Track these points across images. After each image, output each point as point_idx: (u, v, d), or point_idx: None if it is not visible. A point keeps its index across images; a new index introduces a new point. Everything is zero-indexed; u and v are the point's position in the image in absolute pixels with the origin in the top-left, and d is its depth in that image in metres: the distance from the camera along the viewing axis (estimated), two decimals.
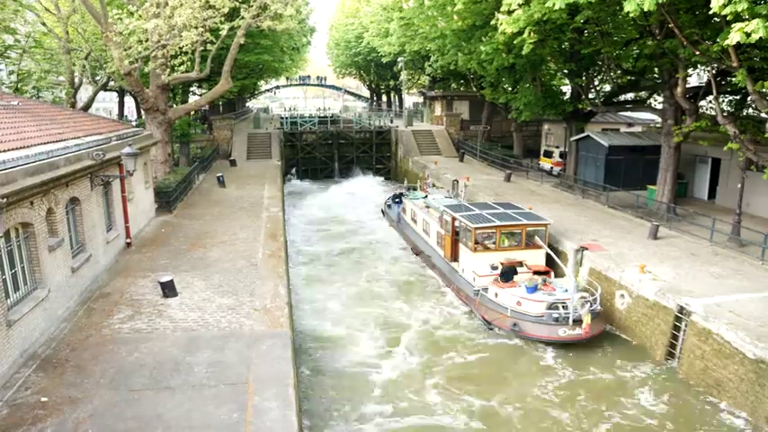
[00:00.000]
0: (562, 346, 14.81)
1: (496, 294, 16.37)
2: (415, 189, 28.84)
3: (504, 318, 15.68)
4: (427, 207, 23.61)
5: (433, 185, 29.12)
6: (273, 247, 18.18)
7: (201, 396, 9.47)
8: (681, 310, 14.40)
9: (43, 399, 9.29)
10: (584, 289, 16.63)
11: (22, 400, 9.27)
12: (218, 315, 12.78)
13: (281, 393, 9.56)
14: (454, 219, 19.46)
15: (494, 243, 18.11)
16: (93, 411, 8.99)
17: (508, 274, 16.69)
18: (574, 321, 14.90)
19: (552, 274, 17.23)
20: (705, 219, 20.54)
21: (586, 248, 18.87)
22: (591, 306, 15.27)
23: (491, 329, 15.91)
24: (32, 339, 10.98)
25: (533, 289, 15.91)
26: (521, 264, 17.46)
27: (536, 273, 16.96)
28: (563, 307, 15.19)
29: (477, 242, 18.03)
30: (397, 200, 28.68)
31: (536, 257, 17.95)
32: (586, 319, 14.67)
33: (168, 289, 13.75)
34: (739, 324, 12.94)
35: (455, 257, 19.53)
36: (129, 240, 17.97)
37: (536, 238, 17.81)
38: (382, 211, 30.80)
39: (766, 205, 22.41)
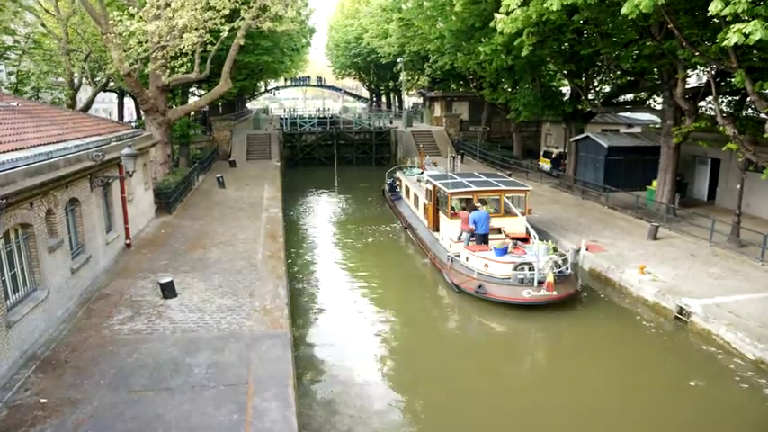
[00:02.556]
0: (533, 307, 14.74)
1: (467, 258, 16.20)
2: (413, 167, 28.93)
3: (471, 280, 15.53)
4: (419, 181, 23.64)
5: (434, 164, 29.40)
6: (273, 248, 18.19)
7: (201, 397, 9.47)
8: (680, 310, 14.42)
9: (43, 400, 9.29)
10: (559, 253, 16.50)
11: (22, 401, 9.27)
12: (217, 316, 12.78)
13: (281, 394, 9.56)
14: (435, 187, 19.41)
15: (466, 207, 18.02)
16: (92, 412, 8.98)
17: (484, 238, 16.70)
18: (539, 283, 14.68)
19: (532, 241, 16.86)
20: (705, 219, 20.57)
21: (587, 249, 18.91)
22: (559, 268, 15.16)
23: (458, 293, 15.82)
24: (32, 340, 10.97)
25: (503, 251, 15.76)
26: (498, 230, 17.32)
27: (514, 239, 16.72)
28: (529, 268, 14.98)
29: (453, 208, 17.99)
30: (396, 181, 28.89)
31: (515, 224, 17.82)
32: (549, 277, 14.53)
33: (168, 290, 13.74)
34: (739, 325, 12.97)
35: (437, 227, 19.40)
36: (128, 241, 17.97)
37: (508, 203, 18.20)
38: (383, 191, 31.01)
39: (766, 206, 22.43)
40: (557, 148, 36.97)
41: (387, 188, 30.50)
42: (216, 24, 22.16)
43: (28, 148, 11.98)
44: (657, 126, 27.97)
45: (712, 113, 20.00)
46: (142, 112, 32.45)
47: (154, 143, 23.41)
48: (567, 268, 15.78)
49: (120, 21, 20.50)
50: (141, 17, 20.61)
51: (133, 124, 36.33)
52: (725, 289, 15.09)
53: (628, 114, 36.47)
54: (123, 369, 10.33)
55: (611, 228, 21.56)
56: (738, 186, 18.80)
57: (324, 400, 11.40)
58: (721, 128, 18.31)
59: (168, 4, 20.56)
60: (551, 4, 15.83)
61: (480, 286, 15.25)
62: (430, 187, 19.99)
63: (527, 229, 17.92)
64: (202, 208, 24.40)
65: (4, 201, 9.52)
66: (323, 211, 30.72)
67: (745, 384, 11.76)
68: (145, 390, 9.66)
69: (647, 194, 25.02)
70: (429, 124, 54.70)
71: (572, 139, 31.02)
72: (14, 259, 10.95)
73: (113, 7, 24.52)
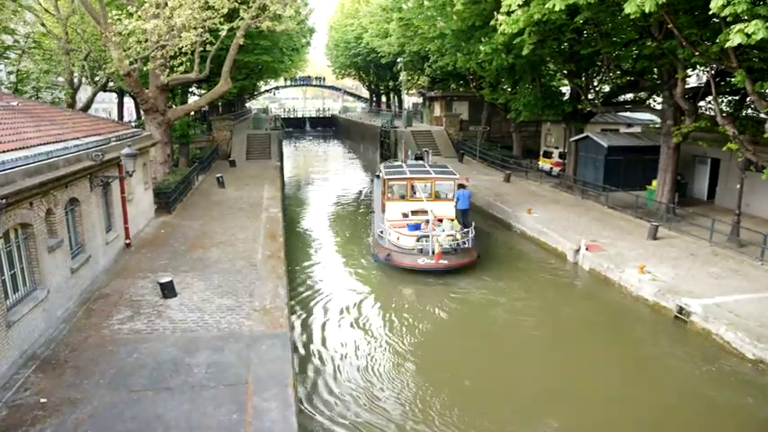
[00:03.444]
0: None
1: (390, 233, 19.06)
2: (396, 160, 31.73)
3: (384, 250, 18.73)
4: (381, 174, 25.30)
5: (418, 158, 31.77)
6: (273, 248, 18.18)
7: (201, 397, 9.47)
8: (680, 310, 14.42)
9: (42, 400, 9.28)
10: (462, 232, 19.07)
11: (22, 401, 9.26)
12: (217, 316, 12.77)
13: (281, 394, 9.56)
14: (381, 174, 22.35)
15: (405, 194, 20.95)
16: (92, 412, 8.98)
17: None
18: (432, 253, 17.54)
19: (446, 221, 19.83)
20: (704, 219, 20.57)
21: (586, 248, 18.92)
22: (457, 242, 18.15)
23: (376, 261, 19.31)
24: (32, 340, 10.97)
25: (415, 227, 19.01)
26: (426, 212, 19.55)
27: (439, 220, 19.56)
28: (427, 240, 17.82)
29: (391, 192, 20.97)
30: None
31: (445, 208, 20.58)
32: (436, 248, 17.41)
33: (167, 290, 13.74)
34: (739, 324, 12.97)
35: (383, 209, 21.61)
36: (128, 241, 17.96)
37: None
38: (371, 181, 32.64)
39: (766, 205, 22.43)
40: (557, 147, 36.96)
41: (374, 179, 31.76)
42: (215, 24, 22.14)
43: (28, 147, 11.98)
44: (657, 126, 27.98)
45: (712, 113, 19.99)
46: (142, 112, 32.45)
47: (153, 143, 23.40)
48: (464, 242, 18.57)
49: (119, 20, 20.48)
50: (140, 16, 20.60)
51: (133, 124, 36.32)
52: (725, 289, 15.09)
53: (628, 114, 36.48)
54: (123, 369, 10.32)
55: (610, 227, 21.55)
56: (738, 186, 18.80)
57: (324, 400, 11.40)
58: (721, 128, 18.31)
59: (167, 3, 20.53)
60: (554, 5, 15.82)
61: (389, 255, 18.35)
62: (381, 174, 22.50)
63: (458, 212, 20.65)
64: (202, 208, 24.40)
65: (4, 200, 9.52)
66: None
67: (745, 384, 11.77)
68: (145, 390, 9.66)
69: (647, 194, 25.02)
70: (429, 124, 54.68)
71: (572, 139, 31.01)
72: (14, 259, 10.95)
73: (113, 6, 24.50)
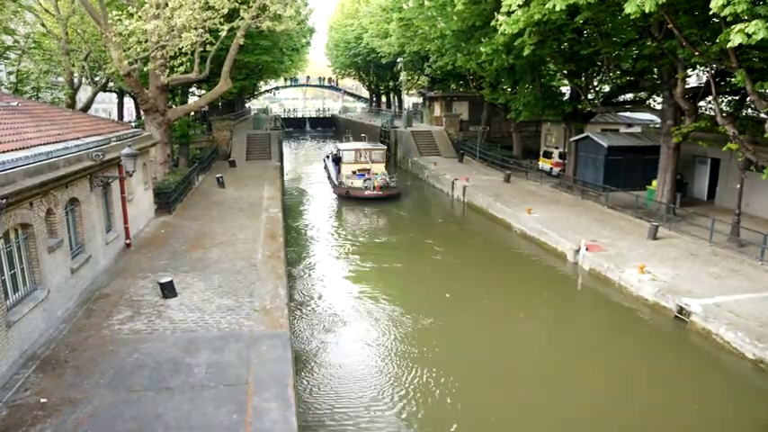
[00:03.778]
0: (371, 199, 31.11)
1: (348, 181, 32.85)
2: (348, 139, 41.27)
3: (344, 189, 32.66)
4: (338, 150, 37.62)
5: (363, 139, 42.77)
6: (273, 248, 18.18)
7: (201, 397, 9.47)
8: (680, 310, 14.42)
9: (43, 400, 9.28)
10: (389, 176, 33.12)
11: (22, 401, 9.26)
12: (217, 316, 12.77)
13: (281, 394, 9.56)
14: (339, 150, 36.66)
15: (354, 159, 34.78)
16: (92, 412, 8.98)
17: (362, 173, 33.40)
18: (373, 188, 31.09)
19: (378, 171, 33.67)
20: (704, 219, 20.57)
21: (586, 248, 18.92)
22: (386, 182, 31.95)
23: (337, 198, 33.35)
24: (32, 340, 10.97)
25: (362, 176, 32.59)
26: (368, 170, 33.29)
27: (374, 174, 32.76)
28: (367, 180, 31.62)
29: (347, 158, 34.92)
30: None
31: (378, 168, 34.03)
32: (375, 183, 31.17)
33: (168, 290, 13.74)
34: (739, 324, 12.97)
35: (339, 171, 34.93)
36: (128, 241, 17.96)
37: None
38: (324, 160, 45.95)
39: (766, 205, 22.43)
40: (557, 147, 36.95)
41: (326, 157, 44.76)
42: (215, 24, 22.14)
43: (28, 147, 11.97)
44: (657, 126, 27.99)
45: (712, 113, 19.99)
46: (142, 112, 32.42)
47: (154, 143, 23.40)
48: (389, 182, 32.36)
49: (120, 20, 20.48)
50: (140, 16, 20.60)
51: (133, 124, 36.30)
52: (725, 289, 15.09)
53: (628, 114, 36.48)
54: (123, 369, 10.32)
55: (610, 227, 21.55)
56: (738, 186, 18.80)
57: (324, 400, 11.40)
58: (721, 128, 18.31)
59: (167, 4, 20.53)
60: (554, 5, 15.82)
61: (347, 192, 32.24)
62: (334, 150, 39.50)
63: (387, 169, 35.43)
64: (202, 208, 24.40)
65: (4, 200, 9.52)
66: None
67: (745, 384, 11.77)
68: (145, 390, 9.66)
69: (647, 194, 25.01)
70: (429, 124, 54.68)
71: (572, 139, 31.01)
72: (14, 259, 10.94)
73: (113, 7, 24.50)
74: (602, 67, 27.34)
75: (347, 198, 32.01)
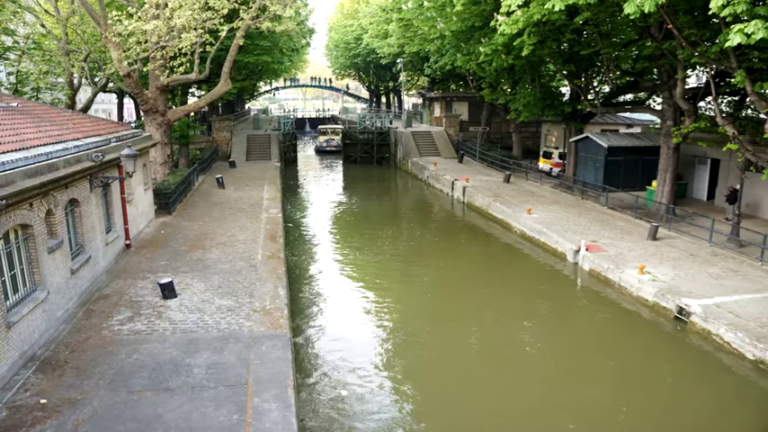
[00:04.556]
0: (329, 152, 56.52)
1: (321, 144, 58.89)
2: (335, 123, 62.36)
3: (318, 148, 59.38)
4: (323, 134, 60.13)
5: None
6: (273, 249, 18.18)
7: (201, 397, 9.47)
8: (680, 310, 14.42)
9: (42, 400, 9.29)
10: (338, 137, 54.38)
11: (22, 401, 9.27)
12: (217, 316, 12.78)
13: (281, 395, 9.56)
14: (320, 130, 61.64)
15: (326, 132, 59.54)
16: (92, 413, 8.98)
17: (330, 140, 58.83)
18: (332, 145, 57.11)
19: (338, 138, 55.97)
20: (704, 219, 20.57)
21: (586, 249, 18.93)
22: (336, 143, 56.06)
23: (316, 153, 58.98)
24: (32, 341, 10.97)
25: (328, 142, 57.78)
26: (333, 138, 57.56)
27: (332, 140, 57.10)
28: (328, 141, 57.69)
29: (322, 133, 60.39)
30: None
31: (337, 137, 56.71)
32: (332, 144, 57.12)
33: (167, 290, 13.74)
34: (739, 325, 12.97)
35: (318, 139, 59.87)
36: (128, 242, 17.96)
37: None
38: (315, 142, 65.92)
39: (765, 206, 22.44)
40: (556, 148, 36.97)
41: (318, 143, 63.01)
42: (215, 24, 22.15)
43: (28, 148, 11.97)
44: (657, 126, 27.97)
45: (712, 113, 20.00)
46: (142, 113, 32.40)
47: (153, 144, 23.39)
48: (339, 145, 54.44)
49: (119, 21, 20.48)
50: (140, 17, 20.60)
51: (133, 125, 36.32)
52: (725, 289, 15.09)
53: (627, 114, 36.48)
54: (123, 369, 10.32)
55: (610, 228, 21.56)
56: (738, 186, 18.80)
57: (324, 401, 11.40)
58: (721, 128, 18.32)
59: (167, 4, 20.53)
60: (553, 6, 15.82)
61: (318, 149, 59.51)
62: (324, 128, 62.28)
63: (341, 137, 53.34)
64: (202, 208, 24.41)
65: (4, 201, 9.52)
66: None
67: (745, 384, 11.77)
68: (144, 390, 9.66)
69: (647, 194, 25.02)
70: (429, 125, 54.66)
71: (572, 140, 31.03)
72: (14, 260, 10.94)
73: (112, 7, 24.51)
74: (602, 67, 27.34)
75: (321, 152, 58.27)
